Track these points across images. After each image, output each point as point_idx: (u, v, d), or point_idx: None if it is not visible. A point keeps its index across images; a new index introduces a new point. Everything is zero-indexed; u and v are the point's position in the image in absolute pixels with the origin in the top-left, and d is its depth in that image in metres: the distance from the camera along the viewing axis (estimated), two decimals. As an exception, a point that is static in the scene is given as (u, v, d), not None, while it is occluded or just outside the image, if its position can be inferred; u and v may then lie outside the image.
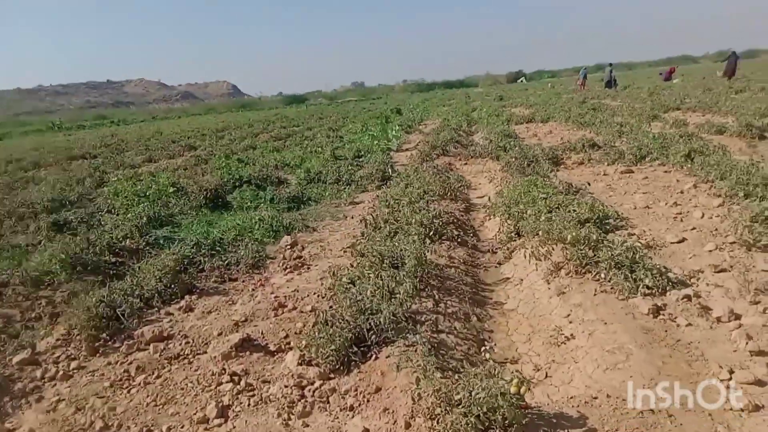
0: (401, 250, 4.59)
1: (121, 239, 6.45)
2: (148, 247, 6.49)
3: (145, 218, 7.20)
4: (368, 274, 4.24)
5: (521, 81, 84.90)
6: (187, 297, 4.67)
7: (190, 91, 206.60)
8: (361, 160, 11.53)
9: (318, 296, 4.41)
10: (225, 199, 8.52)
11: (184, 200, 8.36)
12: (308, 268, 5.25)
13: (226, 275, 5.15)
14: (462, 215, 6.51)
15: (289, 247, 5.92)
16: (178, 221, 7.63)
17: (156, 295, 4.54)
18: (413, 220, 5.57)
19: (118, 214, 7.97)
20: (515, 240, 5.29)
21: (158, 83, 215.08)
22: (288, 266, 5.28)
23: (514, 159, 8.29)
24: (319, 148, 14.24)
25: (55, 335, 4.08)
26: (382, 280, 3.99)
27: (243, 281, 5.06)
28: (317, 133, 20.14)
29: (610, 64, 32.39)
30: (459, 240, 5.46)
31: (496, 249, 5.39)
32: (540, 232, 4.82)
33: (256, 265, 5.37)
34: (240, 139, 20.57)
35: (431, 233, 5.30)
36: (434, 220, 5.52)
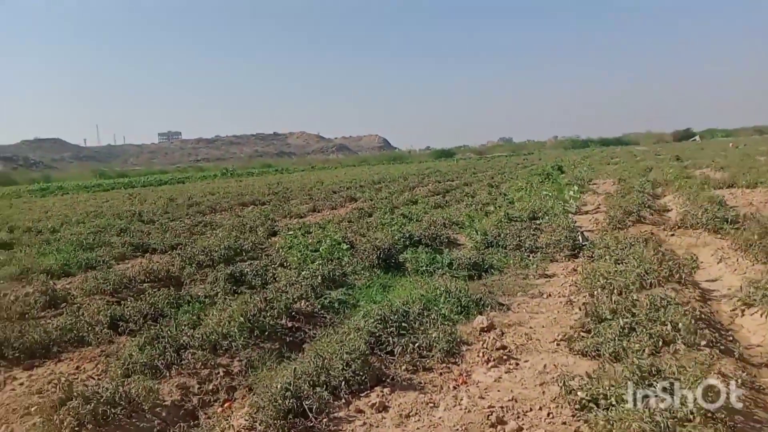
0: (665, 364, 3.39)
1: (296, 300, 5.99)
2: (323, 311, 5.98)
3: (319, 277, 6.75)
4: (620, 394, 3.11)
5: (695, 140, 77.76)
6: (377, 389, 3.88)
7: (344, 144, 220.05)
8: (538, 222, 10.38)
9: (547, 414, 3.36)
10: (397, 259, 7.88)
11: (356, 259, 7.86)
12: (516, 364, 4.24)
13: (419, 363, 4.32)
14: (702, 307, 5.08)
15: (485, 330, 4.97)
16: (352, 282, 7.10)
17: (343, 383, 3.82)
18: (652, 314, 4.33)
19: (291, 269, 7.68)
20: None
21: (317, 136, 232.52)
22: (491, 359, 4.31)
23: (755, 236, 6.62)
24: (489, 206, 13.35)
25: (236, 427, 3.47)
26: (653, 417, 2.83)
27: (440, 373, 4.18)
28: (477, 189, 19.33)
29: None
30: (720, 347, 4.09)
31: (778, 365, 3.94)
32: None
33: (451, 352, 4.48)
34: (398, 192, 20.43)
35: (681, 334, 4.02)
36: (682, 317, 4.23)
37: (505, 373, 4.10)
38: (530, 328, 5.06)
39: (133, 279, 7.51)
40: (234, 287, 6.88)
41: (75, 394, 3.50)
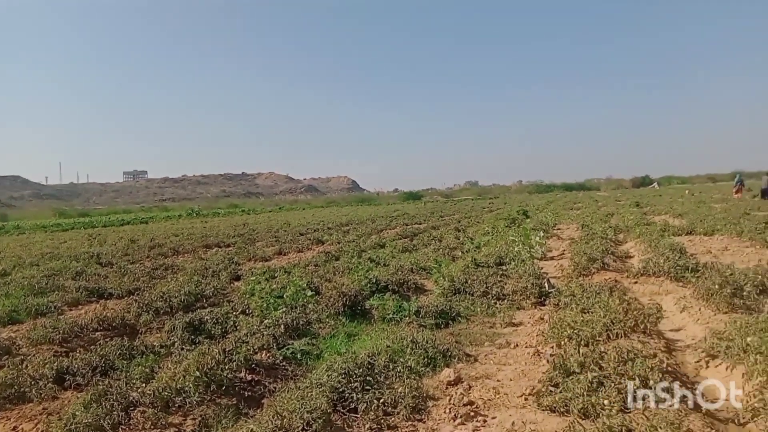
0: (636, 423, 3.30)
1: (257, 350, 5.76)
2: (285, 363, 5.76)
3: (282, 326, 6.54)
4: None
5: (654, 186, 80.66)
6: (339, 452, 3.68)
7: (313, 185, 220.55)
8: (504, 268, 10.39)
9: (517, 478, 3.22)
10: (364, 306, 7.72)
11: (321, 306, 7.67)
12: (484, 421, 4.09)
13: (383, 421, 4.13)
14: (668, 359, 5.06)
15: (452, 383, 4.83)
16: (316, 331, 6.90)
17: (304, 445, 3.60)
18: (620, 368, 4.28)
19: (253, 316, 7.43)
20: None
21: (286, 177, 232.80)
22: (458, 415, 4.16)
23: (716, 285, 6.71)
24: (456, 251, 13.38)
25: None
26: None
27: (405, 432, 4.00)
28: (444, 233, 19.40)
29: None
30: (688, 401, 4.04)
31: (744, 420, 3.90)
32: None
33: (417, 408, 4.31)
34: (366, 235, 20.36)
35: (650, 390, 3.97)
36: (649, 371, 4.19)
37: (473, 431, 3.94)
38: (498, 381, 4.94)
39: (85, 327, 7.15)
40: (192, 336, 6.59)
41: (7, 461, 3.20)
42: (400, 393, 4.42)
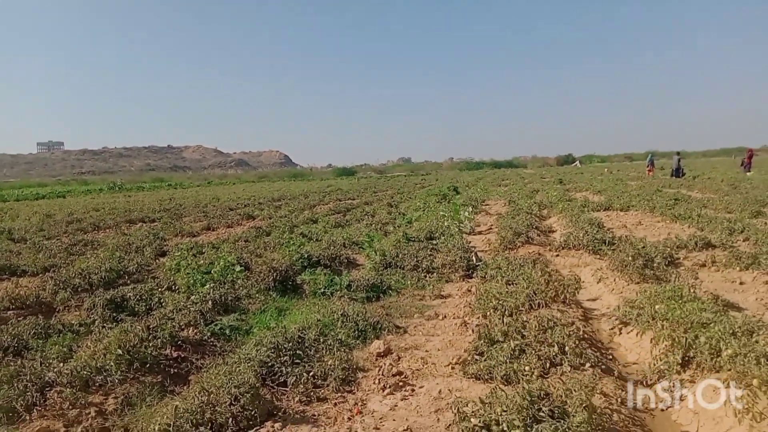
0: (553, 387, 3.48)
1: (183, 327, 5.61)
2: (213, 339, 5.64)
3: (210, 302, 6.39)
4: (512, 421, 3.15)
5: (576, 164, 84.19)
6: (268, 424, 3.66)
7: (244, 159, 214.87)
8: (435, 242, 10.59)
9: (442, 443, 3.33)
10: (295, 281, 7.67)
11: (251, 281, 7.54)
12: (412, 390, 4.19)
13: (313, 394, 4.14)
14: (585, 327, 5.37)
15: (382, 355, 4.91)
16: (245, 306, 6.79)
17: (231, 419, 3.55)
18: (540, 336, 4.50)
19: (179, 293, 7.20)
20: (682, 372, 4.11)
21: (215, 150, 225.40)
22: (387, 385, 4.24)
23: (629, 257, 7.15)
24: (388, 226, 13.50)
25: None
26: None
27: (335, 403, 4.03)
28: (377, 208, 19.50)
29: (678, 153, 31.30)
30: (602, 366, 4.31)
31: (651, 381, 4.21)
32: (731, 369, 3.66)
33: (347, 380, 4.36)
34: (298, 210, 20.13)
35: (567, 356, 4.21)
36: (567, 339, 4.42)
37: (401, 400, 4.03)
38: (426, 351, 5.06)
39: (-6, 306, 6.68)
40: (114, 314, 6.32)
41: None
42: (330, 365, 4.45)
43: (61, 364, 4.54)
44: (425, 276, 8.07)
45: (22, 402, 3.92)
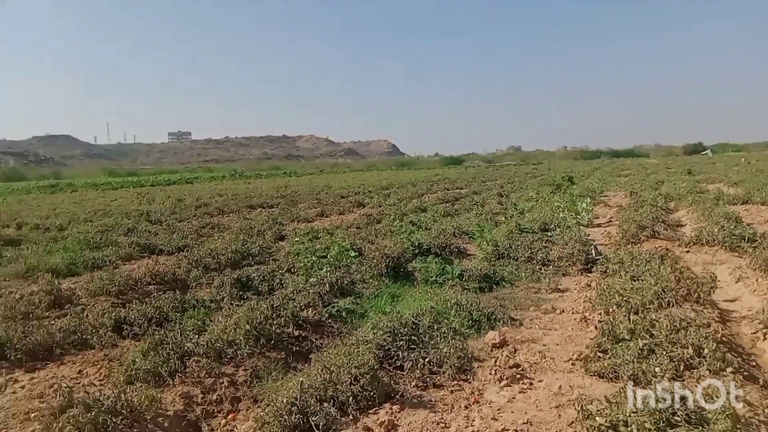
0: (688, 394, 3.23)
1: (303, 307, 5.88)
2: (330, 320, 5.87)
3: (327, 285, 6.65)
4: (643, 423, 2.96)
5: (706, 154, 77.26)
6: (387, 406, 3.75)
7: (353, 148, 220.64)
8: (550, 234, 10.22)
9: (564, 439, 3.22)
10: (406, 268, 7.76)
11: (364, 267, 7.74)
12: (530, 384, 4.09)
13: (429, 379, 4.18)
14: (723, 329, 4.92)
15: (497, 346, 4.84)
16: (360, 290, 6.98)
17: (351, 398, 3.68)
18: (672, 336, 4.18)
19: (298, 275, 7.57)
20: None
21: (326, 139, 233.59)
22: (503, 376, 4.17)
23: (776, 256, 6.44)
24: (499, 216, 13.24)
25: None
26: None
27: (451, 390, 4.04)
28: (486, 198, 19.19)
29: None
30: (744, 372, 3.93)
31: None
32: None
33: (463, 369, 4.34)
34: (407, 198, 20.32)
35: (705, 359, 3.87)
36: (705, 340, 4.07)
37: (519, 393, 3.95)
38: (544, 345, 4.91)
39: (139, 280, 7.42)
40: (240, 292, 6.76)
41: (76, 401, 3.39)
42: (446, 353, 4.46)
43: (197, 336, 4.97)
44: (540, 268, 7.83)
45: (165, 368, 4.33)
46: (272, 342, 4.97)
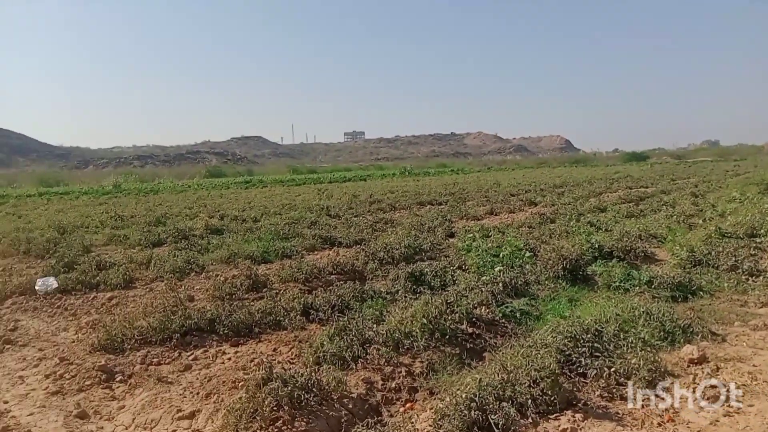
0: None
1: (476, 305, 5.85)
2: (504, 320, 5.76)
3: (500, 284, 6.54)
4: None
5: None
6: (568, 413, 3.57)
7: (523, 145, 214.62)
8: (758, 240, 8.89)
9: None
10: (585, 271, 7.32)
11: (539, 267, 7.48)
12: (738, 409, 3.59)
13: (615, 390, 3.89)
14: None
15: (695, 362, 4.34)
16: (534, 292, 6.75)
17: (530, 401, 3.57)
18: None
19: (470, 272, 7.56)
20: None
21: (494, 136, 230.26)
22: (704, 396, 3.72)
23: None
24: (693, 219, 11.88)
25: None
26: None
27: (641, 404, 3.71)
28: (677, 198, 17.33)
29: None
30: None
31: None
32: None
33: (654, 383, 3.96)
34: (583, 197, 19.19)
35: None
36: None
37: (724, 416, 3.50)
38: (754, 366, 4.28)
39: (322, 270, 8.00)
40: (414, 286, 6.94)
41: (275, 375, 3.77)
42: (634, 364, 4.10)
43: (376, 326, 5.22)
44: (747, 279, 6.85)
45: (349, 353, 4.62)
46: (446, 337, 5.03)
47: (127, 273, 8.25)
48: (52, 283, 7.67)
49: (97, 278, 7.97)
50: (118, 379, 4.60)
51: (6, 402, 4.22)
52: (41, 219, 18.59)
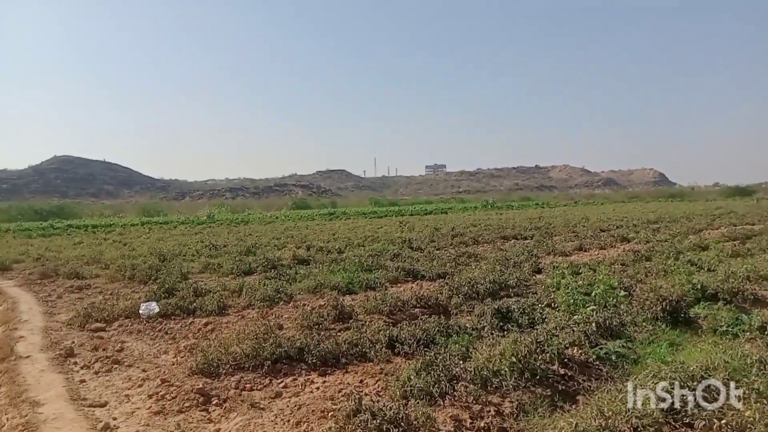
0: None
1: (568, 345, 5.62)
2: (598, 362, 5.49)
3: (594, 324, 6.25)
4: None
5: None
6: (673, 468, 3.32)
7: (612, 178, 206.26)
8: None
9: None
10: (687, 314, 6.84)
11: (635, 308, 7.08)
12: None
13: (729, 449, 3.58)
14: None
15: (821, 420, 3.90)
16: (630, 334, 6.39)
17: (631, 453, 3.36)
18: None
19: (559, 311, 7.29)
20: None
21: (581, 169, 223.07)
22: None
23: None
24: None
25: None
26: None
27: (758, 466, 3.39)
28: (792, 237, 15.87)
29: None
30: None
31: None
32: None
33: (771, 440, 3.60)
34: (681, 234, 18.05)
35: None
36: None
37: None
38: None
39: (406, 303, 8.02)
40: (500, 323, 6.78)
41: (364, 407, 3.80)
42: (749, 417, 3.76)
43: (462, 362, 5.14)
44: None
45: (436, 389, 4.58)
46: (537, 377, 4.86)
47: (221, 300, 8.70)
48: (154, 308, 8.22)
49: (194, 304, 8.46)
50: (214, 403, 4.81)
51: (115, 419, 4.52)
52: (144, 247, 20.10)
